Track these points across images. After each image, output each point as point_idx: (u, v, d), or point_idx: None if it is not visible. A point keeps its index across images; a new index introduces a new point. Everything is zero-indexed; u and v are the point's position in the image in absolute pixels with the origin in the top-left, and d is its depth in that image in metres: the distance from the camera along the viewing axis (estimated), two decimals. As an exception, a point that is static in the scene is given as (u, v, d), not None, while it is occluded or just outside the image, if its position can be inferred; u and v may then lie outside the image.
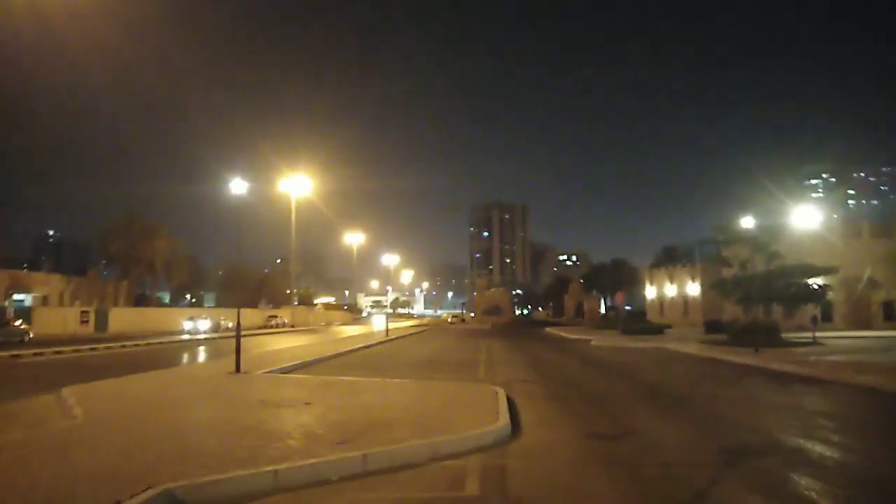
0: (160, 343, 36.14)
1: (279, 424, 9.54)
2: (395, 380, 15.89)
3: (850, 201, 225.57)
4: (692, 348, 30.38)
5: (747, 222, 30.44)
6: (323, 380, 15.89)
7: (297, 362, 21.10)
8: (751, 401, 13.63)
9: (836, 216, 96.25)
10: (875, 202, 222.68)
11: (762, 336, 29.04)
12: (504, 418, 9.98)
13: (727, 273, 34.44)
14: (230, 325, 62.26)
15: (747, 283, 31.12)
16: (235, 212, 19.10)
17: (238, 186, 18.15)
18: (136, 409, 11.03)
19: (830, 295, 33.23)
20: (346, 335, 46.51)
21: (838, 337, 35.25)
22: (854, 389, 15.41)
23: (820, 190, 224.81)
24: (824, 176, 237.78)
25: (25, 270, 69.29)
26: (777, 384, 16.69)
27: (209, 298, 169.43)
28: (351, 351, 28.55)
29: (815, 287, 30.97)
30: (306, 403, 11.65)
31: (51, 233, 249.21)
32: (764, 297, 30.22)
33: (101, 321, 55.23)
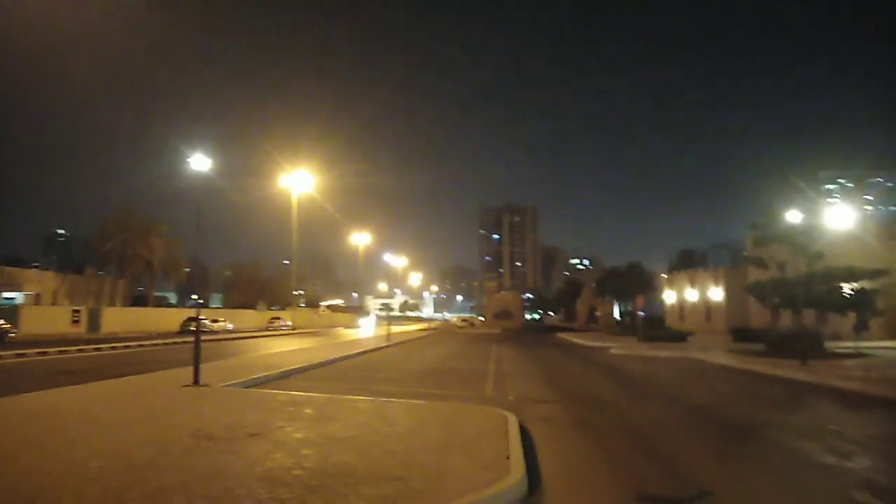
0: (149, 345, 33.47)
1: (187, 476, 6.56)
2: (382, 399, 12.85)
3: (867, 207, 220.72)
4: (725, 359, 27.23)
5: (793, 216, 27.20)
6: (292, 397, 12.89)
7: (274, 372, 18.17)
8: (838, 435, 10.52)
9: (870, 216, 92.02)
10: (893, 208, 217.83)
11: (804, 346, 25.93)
12: (518, 468, 6.98)
13: (762, 275, 31.15)
14: (229, 326, 59.61)
15: (788, 286, 27.92)
16: (198, 192, 16.20)
17: (199, 162, 15.26)
18: (17, 440, 8.12)
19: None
20: (345, 339, 43.60)
21: (881, 347, 31.93)
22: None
23: (837, 195, 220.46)
24: (841, 181, 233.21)
25: (17, 268, 66.77)
26: (849, 408, 13.58)
27: (216, 299, 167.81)
28: (344, 358, 25.60)
29: (864, 292, 27.70)
30: (251, 435, 8.69)
31: (60, 232, 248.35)
32: (807, 303, 26.98)
33: (94, 321, 52.83)
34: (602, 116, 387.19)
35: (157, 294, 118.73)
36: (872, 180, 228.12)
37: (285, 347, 32.18)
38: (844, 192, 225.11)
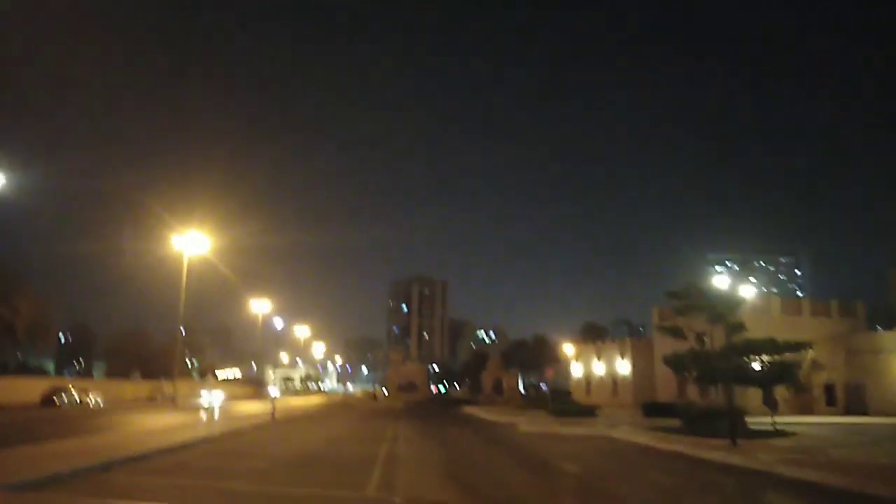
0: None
1: None
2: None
3: (751, 289, 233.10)
4: (645, 437, 24.66)
5: (720, 281, 25.60)
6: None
7: (95, 462, 13.78)
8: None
9: (774, 291, 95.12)
10: (775, 290, 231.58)
11: (723, 423, 23.84)
12: None
13: (678, 347, 29.32)
14: (92, 399, 52.30)
15: (707, 358, 26.04)
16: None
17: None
18: None
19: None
20: (226, 415, 38.36)
21: (793, 423, 30.47)
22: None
23: (713, 283, 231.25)
24: (727, 263, 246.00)
25: None
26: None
27: (99, 367, 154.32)
28: (206, 440, 21.11)
29: (786, 365, 26.23)
30: None
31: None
32: (726, 376, 25.05)
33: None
34: (506, 194, 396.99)
35: (31, 363, 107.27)
36: (756, 263, 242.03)
37: (147, 425, 27.17)
38: (731, 274, 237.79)
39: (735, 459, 17.37)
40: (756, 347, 26.86)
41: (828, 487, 13.09)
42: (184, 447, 18.44)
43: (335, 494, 11.25)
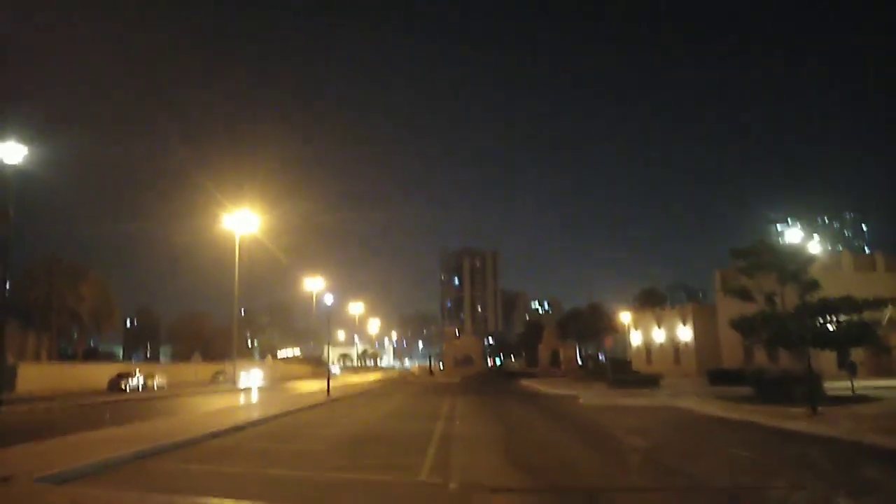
0: (44, 408, 28.31)
1: None
2: (247, 502, 8.26)
3: (818, 246, 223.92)
4: (715, 408, 23.22)
5: (792, 235, 23.75)
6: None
7: (139, 448, 13.38)
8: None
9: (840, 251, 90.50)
10: (840, 248, 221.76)
11: (801, 390, 22.19)
12: None
13: (747, 310, 27.50)
14: (156, 383, 53.39)
15: (780, 320, 24.28)
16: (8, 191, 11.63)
17: (12, 152, 10.76)
18: None
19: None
20: (284, 395, 38.41)
21: (873, 387, 28.35)
22: None
23: (782, 239, 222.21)
24: (789, 222, 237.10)
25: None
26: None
27: (165, 351, 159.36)
28: (259, 421, 20.70)
29: (866, 325, 24.27)
30: None
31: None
32: (802, 338, 23.26)
33: (8, 379, 46.53)
34: (560, 163, 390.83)
35: (101, 348, 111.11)
36: (820, 220, 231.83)
37: (203, 408, 27.22)
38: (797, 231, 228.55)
39: (820, 429, 15.92)
40: (832, 307, 24.94)
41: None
42: (234, 430, 18.03)
43: (385, 479, 10.45)
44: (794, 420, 17.91)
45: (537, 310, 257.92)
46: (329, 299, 50.53)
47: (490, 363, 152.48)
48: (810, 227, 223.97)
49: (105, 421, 20.94)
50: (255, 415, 22.35)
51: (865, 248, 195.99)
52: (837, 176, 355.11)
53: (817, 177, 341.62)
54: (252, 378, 60.18)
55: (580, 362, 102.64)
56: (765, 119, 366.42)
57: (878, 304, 25.67)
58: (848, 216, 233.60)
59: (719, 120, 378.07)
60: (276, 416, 22.41)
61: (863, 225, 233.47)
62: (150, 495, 8.89)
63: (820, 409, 19.51)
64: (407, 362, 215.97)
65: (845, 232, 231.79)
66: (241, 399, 33.80)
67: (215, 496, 8.84)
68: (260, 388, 49.23)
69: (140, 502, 8.49)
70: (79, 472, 11.15)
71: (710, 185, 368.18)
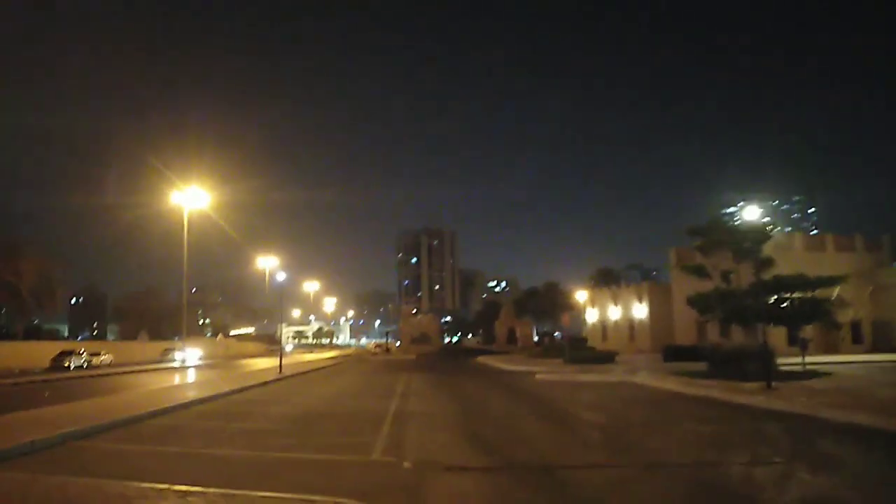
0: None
1: None
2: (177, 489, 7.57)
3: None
4: (671, 383, 23.29)
5: (749, 213, 23.82)
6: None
7: (78, 428, 12.52)
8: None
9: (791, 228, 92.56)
10: (789, 229, 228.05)
11: (755, 365, 22.41)
12: None
13: (701, 287, 27.65)
14: (103, 359, 51.58)
15: (736, 297, 24.43)
16: None
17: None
18: None
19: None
20: (235, 372, 37.44)
21: (822, 363, 28.97)
22: None
23: (737, 218, 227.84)
24: (740, 204, 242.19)
25: None
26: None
27: (113, 329, 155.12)
28: (208, 398, 19.91)
29: (819, 302, 24.60)
30: None
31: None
32: (757, 315, 23.48)
33: (-62, 357, 44.38)
34: (517, 138, 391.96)
35: (45, 326, 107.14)
36: (770, 203, 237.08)
37: (149, 387, 26.19)
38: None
39: (776, 404, 15.95)
40: (787, 284, 25.20)
41: (885, 431, 11.68)
42: (178, 408, 17.23)
43: (336, 459, 9.89)
44: (749, 395, 17.97)
45: (494, 288, 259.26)
46: (281, 276, 49.42)
47: (447, 341, 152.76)
48: (762, 208, 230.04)
49: (42, 400, 19.85)
50: (202, 393, 21.47)
51: (814, 229, 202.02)
52: (785, 161, 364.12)
53: (768, 161, 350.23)
54: (201, 356, 58.65)
55: (536, 340, 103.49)
56: (722, 103, 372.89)
57: (830, 282, 26.07)
58: (796, 200, 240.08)
59: (676, 102, 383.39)
60: (223, 394, 21.59)
61: (811, 208, 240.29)
62: (75, 479, 8.15)
63: (774, 384, 19.68)
64: (364, 340, 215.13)
65: (794, 215, 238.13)
66: (189, 377, 32.76)
67: (149, 478, 8.15)
68: (210, 366, 47.95)
69: (62, 487, 7.77)
70: (2, 455, 10.29)
71: (664, 168, 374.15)
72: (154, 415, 15.55)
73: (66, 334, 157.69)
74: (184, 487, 7.30)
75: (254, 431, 13.21)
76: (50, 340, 75.56)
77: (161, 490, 7.34)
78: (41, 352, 50.38)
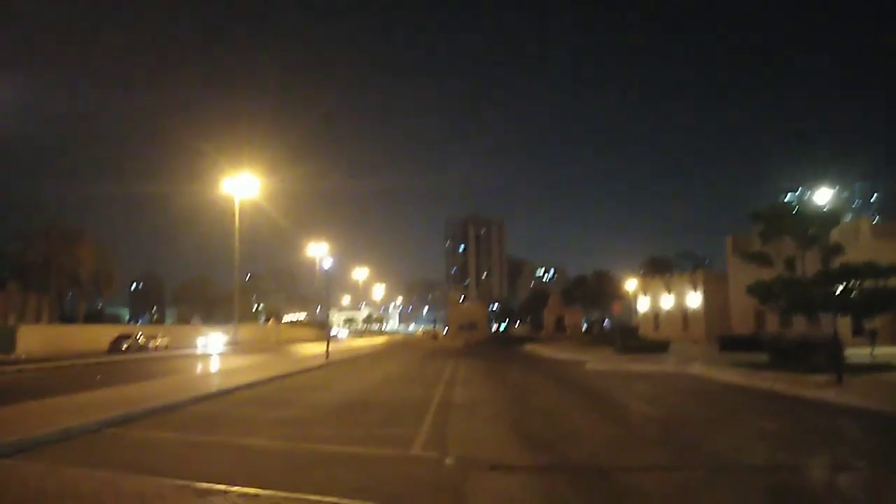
0: (33, 369, 27.50)
1: None
2: (205, 485, 7.05)
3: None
4: (731, 375, 22.05)
5: (820, 197, 22.32)
6: None
7: (114, 414, 12.30)
8: None
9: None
10: (849, 217, 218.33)
11: (822, 357, 21.04)
12: None
13: (764, 275, 26.14)
14: (159, 343, 52.65)
15: (801, 286, 22.96)
16: None
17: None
18: None
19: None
20: (283, 358, 37.51)
21: (889, 354, 27.15)
22: None
23: (795, 204, 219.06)
24: (800, 190, 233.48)
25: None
26: None
27: (171, 314, 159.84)
28: (252, 384, 19.68)
29: (893, 292, 22.89)
30: None
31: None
32: (824, 305, 22.00)
33: (6, 341, 45.84)
34: (568, 127, 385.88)
35: (107, 311, 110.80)
36: (829, 189, 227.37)
37: (197, 371, 26.32)
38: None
39: (850, 399, 14.71)
40: (856, 272, 23.57)
41: None
42: (220, 394, 16.99)
43: (373, 453, 9.29)
44: (818, 389, 16.72)
45: (542, 277, 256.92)
46: (329, 263, 49.43)
47: (494, 328, 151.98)
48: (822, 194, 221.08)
49: (93, 383, 20.02)
50: (245, 378, 21.28)
51: (877, 217, 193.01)
52: (847, 147, 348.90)
53: (826, 148, 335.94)
54: (209, 343, 58.98)
55: (585, 328, 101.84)
56: (778, 89, 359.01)
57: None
58: (858, 185, 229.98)
59: (729, 88, 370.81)
60: (268, 380, 21.38)
61: (874, 195, 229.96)
62: (93, 473, 7.76)
63: (844, 377, 18.34)
64: (412, 327, 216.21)
65: (855, 202, 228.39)
66: (235, 362, 32.91)
67: (174, 472, 7.69)
68: (260, 351, 48.41)
69: (77, 481, 7.38)
70: (35, 442, 10.03)
71: (718, 155, 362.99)
72: (195, 401, 15.31)
73: (126, 318, 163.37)
74: (205, 485, 6.82)
75: (291, 420, 12.75)
76: (111, 324, 77.70)
77: (180, 487, 6.87)
78: (101, 335, 51.75)
